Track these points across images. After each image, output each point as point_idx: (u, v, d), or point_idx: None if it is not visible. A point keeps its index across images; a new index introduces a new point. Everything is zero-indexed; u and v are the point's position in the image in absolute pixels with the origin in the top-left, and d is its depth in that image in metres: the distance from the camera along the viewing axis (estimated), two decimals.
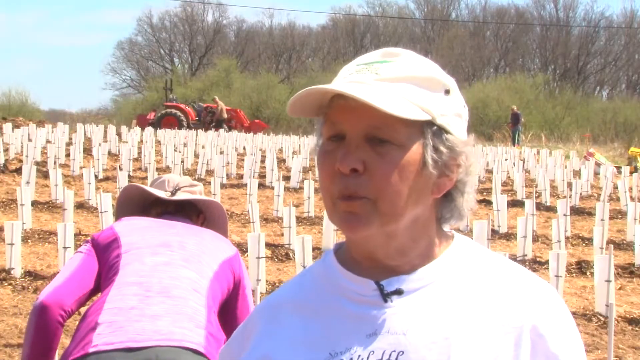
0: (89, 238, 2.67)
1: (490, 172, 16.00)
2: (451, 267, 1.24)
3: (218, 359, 1.38)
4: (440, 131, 1.20)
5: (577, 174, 16.08)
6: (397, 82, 1.18)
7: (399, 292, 1.21)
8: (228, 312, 2.65)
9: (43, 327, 2.37)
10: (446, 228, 1.29)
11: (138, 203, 2.95)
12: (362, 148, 1.17)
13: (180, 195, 2.88)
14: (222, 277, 2.60)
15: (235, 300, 2.68)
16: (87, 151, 16.64)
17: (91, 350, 2.18)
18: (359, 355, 1.18)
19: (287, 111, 1.22)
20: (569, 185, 13.12)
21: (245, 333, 1.33)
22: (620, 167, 16.49)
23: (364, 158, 1.16)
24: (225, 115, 32.51)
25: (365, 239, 1.20)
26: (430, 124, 1.19)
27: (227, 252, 2.69)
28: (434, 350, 1.17)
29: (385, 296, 1.21)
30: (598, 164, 17.54)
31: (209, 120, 32.78)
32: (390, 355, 1.17)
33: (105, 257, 2.55)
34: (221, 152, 16.97)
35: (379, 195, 1.16)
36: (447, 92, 1.23)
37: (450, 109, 1.22)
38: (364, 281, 1.23)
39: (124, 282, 2.43)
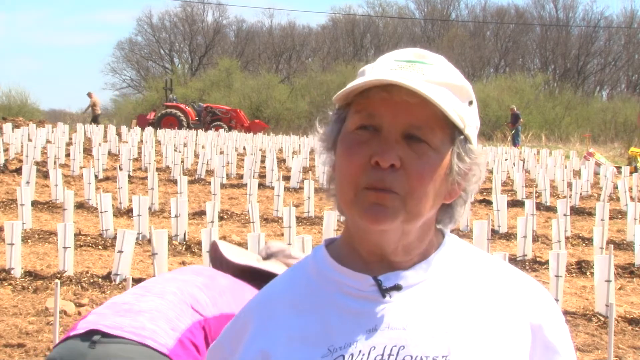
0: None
1: (490, 172, 16.00)
2: (446, 263, 1.27)
3: (207, 357, 1.37)
4: (465, 140, 1.23)
5: (577, 174, 16.08)
6: (440, 86, 1.20)
7: (397, 288, 1.23)
8: None
9: None
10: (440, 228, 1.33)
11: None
12: (400, 145, 1.18)
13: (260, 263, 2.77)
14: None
15: None
16: (87, 151, 16.65)
17: (72, 333, 2.27)
18: (360, 351, 1.19)
19: (335, 97, 1.23)
20: (569, 185, 13.12)
21: (237, 329, 1.32)
22: (620, 167, 16.48)
23: (401, 155, 1.17)
24: (99, 111, 30.69)
25: (381, 233, 1.21)
26: (459, 132, 1.22)
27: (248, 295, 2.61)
28: (434, 344, 1.18)
29: (384, 292, 1.22)
30: (598, 164, 17.53)
31: (209, 120, 32.69)
32: (391, 350, 1.18)
33: None
34: (221, 152, 16.96)
35: (410, 193, 1.18)
36: (470, 103, 1.25)
37: (473, 120, 1.26)
38: (361, 276, 1.24)
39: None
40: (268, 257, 2.83)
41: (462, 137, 1.22)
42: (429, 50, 1.27)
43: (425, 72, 1.20)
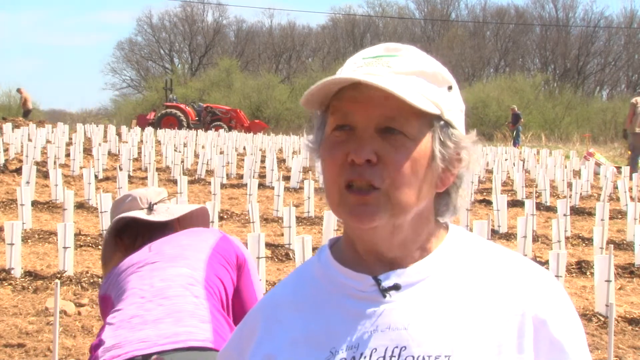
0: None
1: (490, 172, 16.00)
2: (448, 259, 1.25)
3: None
4: (447, 126, 1.22)
5: (577, 174, 16.07)
6: (409, 76, 1.20)
7: (396, 287, 1.21)
8: (236, 296, 2.55)
9: None
10: (442, 220, 1.30)
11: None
12: (375, 139, 1.17)
13: (160, 215, 2.74)
14: (217, 262, 2.52)
15: (239, 283, 2.57)
16: (87, 151, 16.63)
17: None
18: (361, 353, 1.18)
19: (301, 101, 1.22)
20: (569, 185, 13.11)
21: (244, 334, 1.31)
22: (620, 167, 16.48)
23: (376, 149, 1.17)
24: (30, 107, 29.60)
25: (372, 231, 1.20)
26: (438, 118, 1.21)
27: (212, 238, 2.60)
28: (436, 343, 1.17)
29: (384, 291, 1.21)
30: (598, 164, 17.52)
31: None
32: (392, 351, 1.17)
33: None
34: (221, 152, 16.96)
35: (392, 186, 1.17)
36: (449, 88, 1.25)
37: (454, 104, 1.24)
38: (361, 277, 1.23)
39: (118, 301, 2.41)
40: (152, 206, 2.76)
41: (442, 122, 1.21)
42: (424, 49, 1.26)
43: (391, 65, 1.20)
